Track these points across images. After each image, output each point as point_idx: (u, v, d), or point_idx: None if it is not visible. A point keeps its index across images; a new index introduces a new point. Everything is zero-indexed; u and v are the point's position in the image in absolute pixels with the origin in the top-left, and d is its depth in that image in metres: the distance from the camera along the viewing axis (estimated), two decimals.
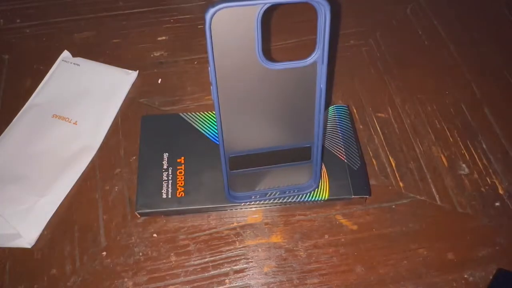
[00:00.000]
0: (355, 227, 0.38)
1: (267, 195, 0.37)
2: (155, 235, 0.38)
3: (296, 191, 0.37)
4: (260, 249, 0.37)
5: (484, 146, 0.43)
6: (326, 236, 0.38)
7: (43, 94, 0.45)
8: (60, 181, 0.39)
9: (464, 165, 0.42)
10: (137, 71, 0.47)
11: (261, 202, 0.37)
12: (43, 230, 0.37)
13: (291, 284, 0.36)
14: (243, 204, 0.37)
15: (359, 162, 0.39)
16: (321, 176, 0.38)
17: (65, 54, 0.48)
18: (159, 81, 0.47)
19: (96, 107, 0.44)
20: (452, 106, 0.46)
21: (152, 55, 0.49)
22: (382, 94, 0.46)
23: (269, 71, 0.28)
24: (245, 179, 0.35)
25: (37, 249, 0.37)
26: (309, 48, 0.49)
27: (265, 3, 0.24)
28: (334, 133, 0.40)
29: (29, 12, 0.52)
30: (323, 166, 0.39)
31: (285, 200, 0.37)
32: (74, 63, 0.47)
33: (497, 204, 0.40)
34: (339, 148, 0.40)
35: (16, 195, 0.38)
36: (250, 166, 0.34)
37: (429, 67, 0.49)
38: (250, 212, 0.39)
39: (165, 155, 0.39)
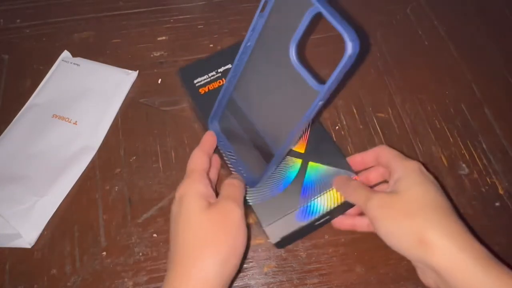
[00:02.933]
0: None
1: (229, 153, 0.37)
2: (155, 235, 0.38)
3: (243, 175, 0.36)
4: (260, 249, 0.37)
5: (484, 146, 0.43)
6: (326, 236, 0.38)
7: (43, 94, 0.45)
8: (60, 181, 0.39)
9: (464, 165, 0.42)
10: (137, 71, 0.47)
11: (224, 157, 0.37)
12: (43, 230, 0.37)
13: (291, 284, 0.36)
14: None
15: None
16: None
17: (65, 54, 0.48)
18: (159, 81, 0.47)
19: (96, 107, 0.44)
20: (452, 106, 0.46)
21: (152, 55, 0.49)
22: (382, 94, 0.46)
23: (289, 64, 0.28)
24: (228, 124, 0.36)
25: (37, 249, 0.37)
26: (309, 48, 0.49)
27: (315, 8, 0.25)
28: None
29: (29, 12, 0.52)
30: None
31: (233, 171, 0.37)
32: (74, 63, 0.47)
33: (497, 204, 0.40)
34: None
35: (16, 195, 0.38)
36: (237, 121, 0.35)
37: (429, 67, 0.49)
38: (250, 212, 0.39)
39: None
